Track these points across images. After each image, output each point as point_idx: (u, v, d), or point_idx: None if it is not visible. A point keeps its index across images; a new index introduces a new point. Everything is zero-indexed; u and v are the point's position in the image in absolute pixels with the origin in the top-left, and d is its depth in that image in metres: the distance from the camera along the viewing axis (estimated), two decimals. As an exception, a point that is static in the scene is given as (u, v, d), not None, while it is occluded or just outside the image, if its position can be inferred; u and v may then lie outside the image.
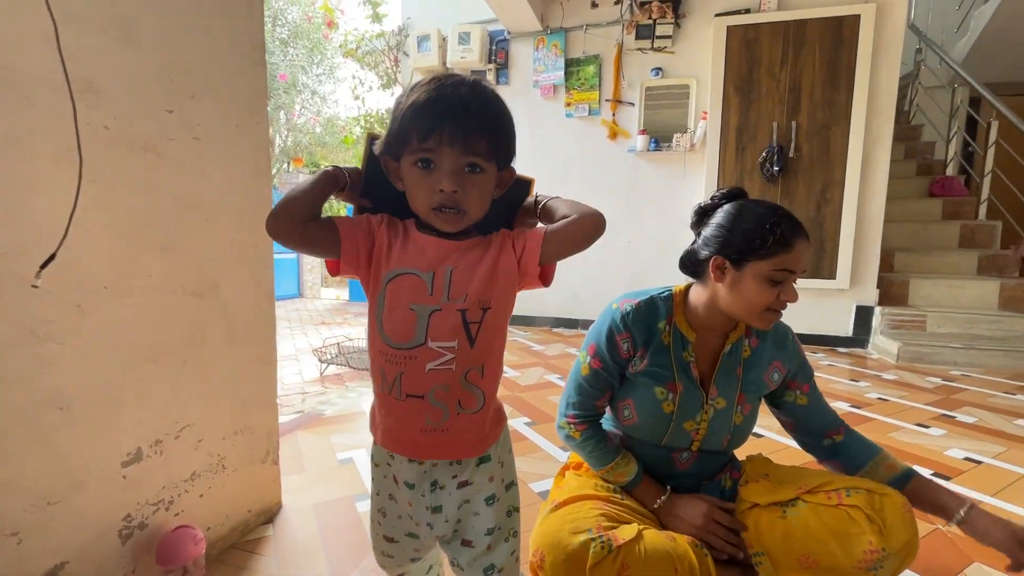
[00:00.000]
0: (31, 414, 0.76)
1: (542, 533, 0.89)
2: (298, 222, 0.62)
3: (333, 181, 0.65)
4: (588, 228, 0.65)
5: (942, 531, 1.22)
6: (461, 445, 0.66)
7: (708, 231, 0.97)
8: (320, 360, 3.69)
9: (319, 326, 4.95)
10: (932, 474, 1.54)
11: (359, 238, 0.64)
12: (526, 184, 0.74)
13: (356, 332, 4.80)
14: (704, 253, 0.97)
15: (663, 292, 1.03)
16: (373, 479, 0.76)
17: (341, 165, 0.68)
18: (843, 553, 0.88)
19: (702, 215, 1.01)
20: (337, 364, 3.81)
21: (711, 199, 1.01)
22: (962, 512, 0.90)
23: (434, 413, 0.64)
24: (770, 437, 1.77)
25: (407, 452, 0.67)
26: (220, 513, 1.12)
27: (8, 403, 0.74)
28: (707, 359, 1.01)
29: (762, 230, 0.88)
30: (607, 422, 1.12)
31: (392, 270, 0.64)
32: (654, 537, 0.88)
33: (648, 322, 1.00)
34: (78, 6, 0.78)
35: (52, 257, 0.70)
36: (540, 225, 0.71)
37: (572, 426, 1.05)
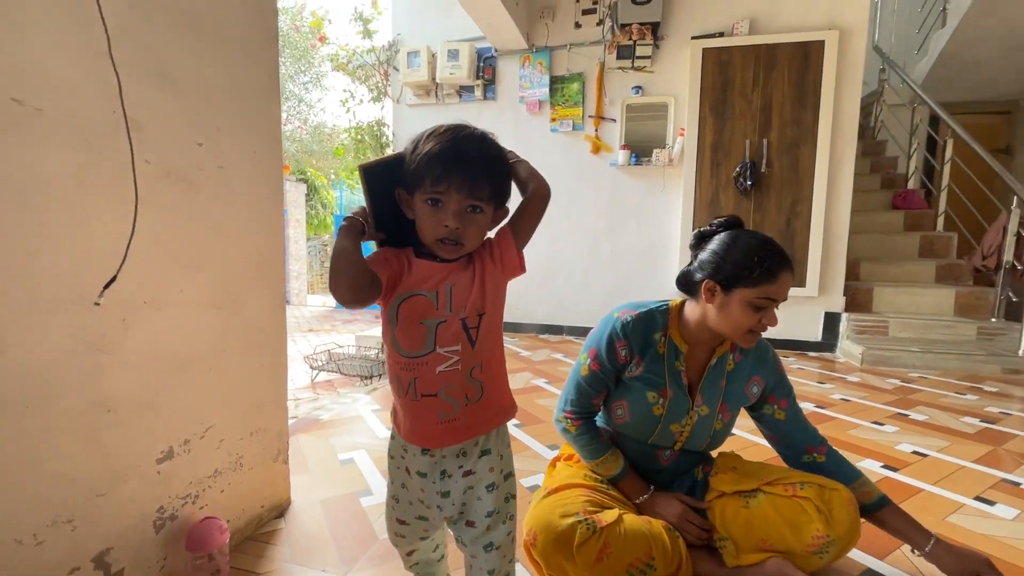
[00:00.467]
0: (86, 416, 0.87)
1: (535, 516, 1.01)
2: (363, 287, 0.69)
3: (354, 231, 0.71)
4: (541, 205, 0.79)
5: (886, 515, 1.38)
6: (469, 430, 0.78)
7: (704, 255, 1.07)
8: (311, 367, 3.76)
9: (307, 333, 5.00)
10: (882, 466, 1.70)
11: (387, 274, 0.73)
12: None
13: (345, 339, 4.87)
14: (698, 276, 1.07)
15: (661, 306, 1.14)
16: (388, 470, 0.88)
17: (349, 213, 0.75)
18: (794, 538, 1.02)
19: (700, 239, 1.11)
20: (328, 371, 3.89)
21: (710, 226, 1.11)
22: (928, 546, 1.01)
23: (447, 407, 0.76)
24: (739, 435, 1.92)
25: (428, 443, 0.78)
26: (238, 507, 1.22)
27: (69, 406, 0.84)
28: (696, 370, 1.14)
29: (751, 262, 0.99)
30: (600, 419, 1.24)
31: (402, 293, 0.75)
32: (632, 520, 1.01)
33: (645, 333, 1.11)
34: (130, 57, 0.89)
35: (114, 279, 0.81)
36: (502, 226, 0.80)
37: (569, 421, 1.17)
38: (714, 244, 1.06)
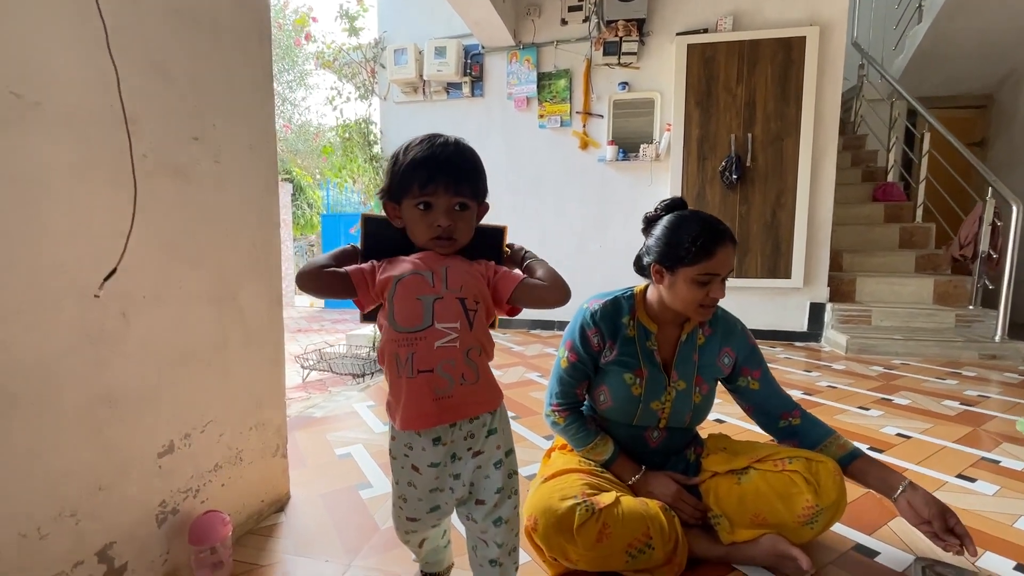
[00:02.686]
0: (87, 410, 0.87)
1: (534, 502, 1.03)
2: (312, 270, 0.78)
3: (350, 254, 0.85)
4: (556, 297, 0.81)
5: (874, 495, 1.42)
6: (462, 410, 0.80)
7: (650, 240, 1.14)
8: (302, 366, 3.74)
9: (296, 333, 4.97)
10: (869, 448, 1.76)
11: (363, 270, 0.81)
12: (498, 232, 0.90)
13: (335, 339, 4.85)
14: (646, 260, 1.15)
15: (626, 292, 1.21)
16: (392, 471, 0.89)
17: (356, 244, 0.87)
18: (786, 510, 1.06)
19: (648, 224, 1.18)
20: (319, 370, 3.87)
21: (655, 210, 1.18)
22: (901, 488, 1.07)
23: (441, 383, 0.77)
24: (731, 423, 1.97)
25: (422, 423, 0.79)
26: (238, 502, 1.22)
27: (70, 401, 0.84)
28: (668, 347, 1.18)
29: (688, 241, 1.05)
30: (587, 410, 1.27)
31: (400, 273, 0.79)
32: (630, 502, 1.04)
33: (614, 318, 1.16)
34: (126, 50, 0.89)
35: (114, 271, 0.81)
36: (517, 272, 0.85)
37: (556, 413, 1.21)
38: (658, 228, 1.13)
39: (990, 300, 3.42)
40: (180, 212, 1.03)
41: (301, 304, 8.20)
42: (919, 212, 4.25)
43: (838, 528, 1.24)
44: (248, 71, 1.20)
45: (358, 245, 0.87)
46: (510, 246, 0.91)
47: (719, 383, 1.24)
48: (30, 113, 0.76)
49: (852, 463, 1.13)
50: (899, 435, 1.89)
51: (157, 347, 0.99)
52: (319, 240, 9.24)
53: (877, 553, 1.15)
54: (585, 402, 1.26)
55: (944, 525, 1.02)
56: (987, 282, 3.43)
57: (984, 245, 3.40)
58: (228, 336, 1.16)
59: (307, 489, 1.46)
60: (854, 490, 1.46)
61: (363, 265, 0.82)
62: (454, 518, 1.00)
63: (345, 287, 0.79)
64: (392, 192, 0.81)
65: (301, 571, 1.10)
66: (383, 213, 0.85)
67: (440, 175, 0.76)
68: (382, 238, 0.85)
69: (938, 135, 3.83)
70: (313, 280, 0.78)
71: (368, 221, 0.86)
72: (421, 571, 1.02)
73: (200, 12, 1.06)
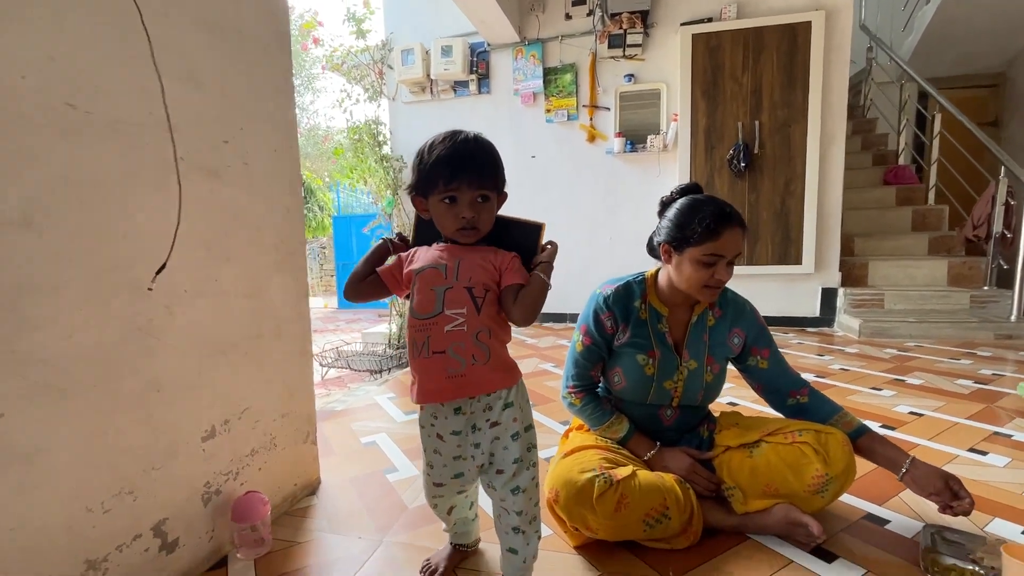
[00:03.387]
0: (139, 396, 0.94)
1: (555, 475, 1.09)
2: (353, 283, 0.94)
3: (382, 250, 0.96)
4: (518, 318, 0.87)
5: (884, 467, 1.46)
6: (475, 386, 0.87)
7: (663, 221, 1.19)
8: (320, 364, 3.84)
9: (312, 333, 5.07)
10: (881, 426, 1.78)
11: (392, 269, 0.94)
12: (535, 228, 0.94)
13: (351, 337, 4.94)
14: (657, 240, 1.20)
15: (637, 277, 1.26)
16: (421, 440, 0.96)
17: (388, 236, 0.99)
18: (796, 480, 1.11)
19: (663, 207, 1.23)
20: (338, 367, 3.96)
21: (670, 193, 1.23)
22: (906, 465, 1.10)
23: (453, 363, 0.85)
24: (745, 405, 2.00)
25: (437, 397, 0.87)
26: (273, 485, 1.29)
27: (125, 387, 0.91)
28: (679, 329, 1.23)
29: (693, 223, 1.10)
30: (603, 391, 1.32)
31: (420, 267, 0.88)
32: (646, 474, 1.09)
33: (626, 302, 1.21)
34: (167, 63, 0.95)
35: (164, 266, 0.88)
36: (521, 275, 0.90)
37: (573, 395, 1.26)
38: (671, 210, 1.18)
39: (1005, 280, 3.40)
40: (215, 211, 1.10)
41: (315, 305, 8.34)
42: (931, 194, 4.23)
43: (849, 499, 1.28)
44: (270, 76, 1.27)
45: (389, 236, 0.98)
46: (546, 244, 0.94)
47: (730, 363, 1.29)
48: (83, 123, 0.83)
49: (857, 440, 1.16)
50: (912, 413, 1.91)
51: (198, 338, 1.06)
52: (331, 242, 9.36)
53: (887, 521, 1.19)
54: (600, 384, 1.31)
55: (951, 494, 1.06)
56: (1002, 262, 3.41)
57: (998, 225, 3.39)
58: (261, 328, 1.23)
59: (336, 474, 1.53)
60: (865, 464, 1.49)
61: (391, 264, 0.94)
62: (483, 497, 1.06)
63: (381, 289, 0.94)
64: (419, 188, 0.88)
65: (336, 547, 1.17)
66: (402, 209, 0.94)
67: (463, 171, 0.83)
68: (427, 228, 0.96)
69: (949, 116, 3.81)
70: (354, 293, 0.94)
71: (419, 220, 0.97)
72: (451, 543, 1.08)
73: (227, 23, 1.12)
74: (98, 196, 0.85)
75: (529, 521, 0.90)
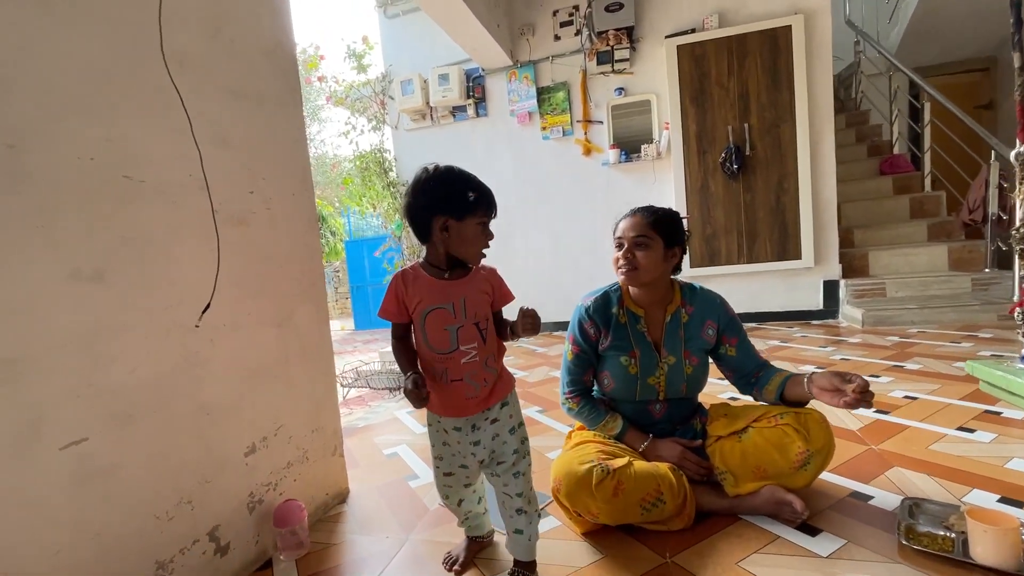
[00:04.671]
0: (192, 418, 1.09)
1: (557, 467, 1.21)
2: (394, 354, 1.07)
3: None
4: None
5: (873, 450, 1.55)
6: (488, 402, 1.05)
7: None
8: (341, 385, 3.99)
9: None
10: (875, 411, 1.87)
11: (403, 321, 1.05)
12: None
13: (369, 357, 5.10)
14: None
15: (613, 286, 1.42)
16: (429, 435, 1.11)
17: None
18: (782, 459, 1.21)
19: None
20: (358, 387, 4.11)
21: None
22: (806, 380, 1.22)
23: (470, 388, 1.02)
24: (745, 399, 2.10)
25: (460, 413, 1.04)
26: (307, 494, 1.43)
27: (180, 410, 1.06)
28: (657, 328, 1.36)
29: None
30: (598, 394, 1.45)
31: (428, 307, 1.01)
32: (641, 464, 1.21)
33: (605, 310, 1.37)
34: (201, 131, 1.12)
35: (208, 306, 1.03)
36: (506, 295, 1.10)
37: (570, 400, 1.40)
38: None
39: (1006, 261, 3.44)
40: (245, 252, 1.25)
41: (333, 328, 8.54)
42: (927, 181, 4.28)
43: (836, 479, 1.38)
44: (287, 129, 1.43)
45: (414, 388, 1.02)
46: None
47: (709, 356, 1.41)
48: (137, 190, 0.99)
49: (785, 385, 1.28)
50: (906, 397, 1.99)
51: (237, 365, 1.22)
52: (344, 266, 9.60)
53: (871, 498, 1.29)
54: (595, 388, 1.44)
55: (842, 379, 1.13)
56: (1000, 244, 3.45)
57: (993, 207, 3.43)
58: (289, 353, 1.38)
59: (363, 484, 1.67)
60: (854, 444, 1.59)
61: (400, 315, 1.04)
62: (491, 497, 1.19)
63: (407, 334, 1.07)
64: (456, 210, 0.96)
65: (367, 546, 1.30)
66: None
67: (492, 207, 1.00)
68: None
69: (938, 104, 3.87)
70: (397, 355, 1.06)
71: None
72: (467, 536, 1.20)
73: (249, 88, 1.29)
74: (151, 250, 1.01)
75: (528, 501, 1.05)
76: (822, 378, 1.19)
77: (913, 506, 1.18)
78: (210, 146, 1.15)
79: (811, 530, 1.17)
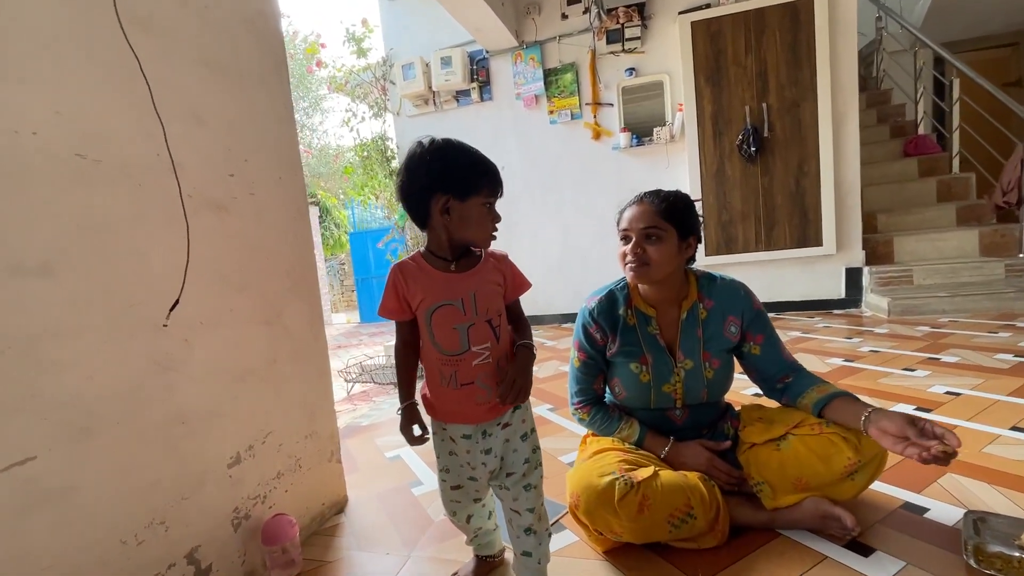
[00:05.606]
0: (164, 429, 0.97)
1: (575, 480, 1.08)
2: (396, 359, 0.96)
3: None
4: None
5: (920, 452, 1.40)
6: (500, 409, 0.92)
7: None
8: (346, 380, 3.89)
9: (336, 350, 5.15)
10: (915, 408, 1.72)
11: (405, 319, 0.92)
12: None
13: (374, 351, 5.01)
14: None
15: (619, 283, 1.25)
16: (434, 446, 0.98)
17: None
18: (826, 470, 1.07)
19: None
20: (362, 382, 4.01)
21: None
22: (864, 416, 1.01)
23: (482, 392, 0.90)
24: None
25: (470, 420, 0.92)
26: (301, 506, 1.32)
27: (149, 421, 0.94)
28: (671, 329, 1.21)
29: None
30: (610, 399, 1.31)
31: (433, 304, 0.87)
32: (668, 474, 1.08)
33: (610, 312, 1.21)
34: (168, 105, 0.99)
35: (177, 302, 0.91)
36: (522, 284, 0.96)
37: (580, 410, 1.27)
38: None
39: (1042, 246, 3.25)
40: (225, 243, 1.13)
41: (338, 321, 8.48)
42: (955, 162, 4.07)
43: (886, 488, 1.24)
44: (271, 108, 1.30)
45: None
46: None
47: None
48: (92, 171, 0.86)
49: (828, 403, 1.09)
50: (948, 393, 1.84)
51: (217, 368, 1.09)
52: (349, 259, 9.50)
53: (926, 510, 1.15)
54: (607, 394, 1.30)
55: (917, 431, 0.93)
56: (1036, 227, 3.26)
57: (1029, 189, 3.24)
58: (277, 353, 1.26)
59: (363, 491, 1.55)
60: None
61: (403, 313, 0.91)
62: (499, 510, 1.06)
63: (414, 336, 0.94)
64: (459, 189, 0.83)
65: (365, 564, 1.18)
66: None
67: (497, 185, 0.87)
68: None
69: (968, 80, 3.66)
70: (398, 366, 0.95)
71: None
72: (475, 555, 1.08)
73: (225, 60, 1.15)
74: (111, 239, 0.88)
75: (539, 518, 0.93)
76: (888, 421, 0.98)
77: (978, 521, 1.04)
78: (179, 123, 1.02)
79: (863, 549, 1.03)
